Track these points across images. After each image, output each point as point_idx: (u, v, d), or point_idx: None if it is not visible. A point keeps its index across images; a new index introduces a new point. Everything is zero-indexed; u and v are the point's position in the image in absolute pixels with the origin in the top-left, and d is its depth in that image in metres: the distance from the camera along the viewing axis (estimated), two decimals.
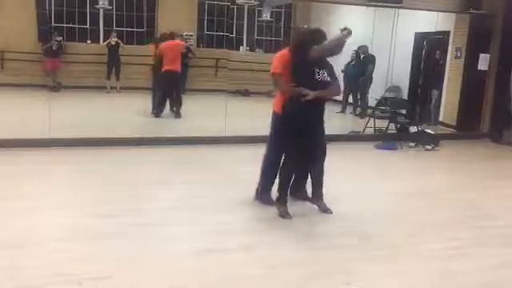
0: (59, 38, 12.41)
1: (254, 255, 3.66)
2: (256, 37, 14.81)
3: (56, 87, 11.73)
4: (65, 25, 13.16)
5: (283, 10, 14.76)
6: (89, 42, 13.35)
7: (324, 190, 4.58)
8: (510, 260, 3.86)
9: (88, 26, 13.39)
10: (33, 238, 3.75)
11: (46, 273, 3.19)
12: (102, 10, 13.25)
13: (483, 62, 9.35)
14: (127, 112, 9.52)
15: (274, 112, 4.56)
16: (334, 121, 10.52)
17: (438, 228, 4.46)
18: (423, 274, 3.51)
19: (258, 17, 14.54)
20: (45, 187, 4.99)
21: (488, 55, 9.30)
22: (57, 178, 5.38)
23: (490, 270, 3.67)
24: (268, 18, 14.39)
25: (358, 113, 11.07)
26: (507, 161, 7.88)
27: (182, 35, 10.97)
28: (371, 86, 10.92)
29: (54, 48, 12.20)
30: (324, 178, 4.56)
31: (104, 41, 12.97)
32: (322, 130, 4.49)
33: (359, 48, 10.88)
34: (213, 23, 14.28)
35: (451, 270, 3.61)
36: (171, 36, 9.66)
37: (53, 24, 13.02)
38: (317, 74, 4.22)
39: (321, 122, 4.44)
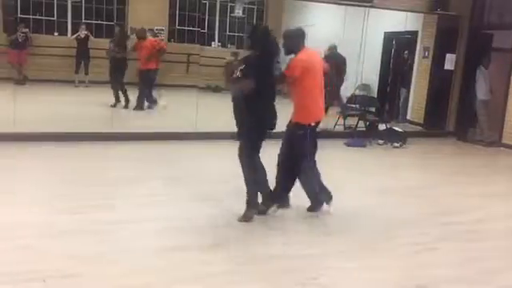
0: (25, 30, 12.07)
1: (223, 252, 3.66)
2: (228, 33, 14.76)
3: (21, 80, 11.39)
4: (31, 16, 12.82)
5: (255, 7, 14.76)
6: (56, 34, 13.04)
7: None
8: (475, 254, 3.97)
9: (55, 18, 13.07)
10: None
11: (10, 270, 3.11)
12: (70, 2, 12.98)
13: (449, 62, 9.59)
14: (95, 107, 9.35)
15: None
16: None
17: (406, 224, 4.55)
18: (393, 269, 3.58)
19: (230, 13, 14.50)
20: (10, 183, 4.87)
21: (454, 55, 9.54)
22: (22, 173, 5.25)
23: (457, 264, 3.77)
24: (240, 15, 14.36)
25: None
26: (472, 158, 8.10)
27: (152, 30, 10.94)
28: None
29: (19, 40, 11.84)
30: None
31: (72, 33, 12.69)
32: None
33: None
34: (184, 18, 14.16)
35: (421, 265, 3.69)
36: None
37: (19, 15, 12.67)
38: None
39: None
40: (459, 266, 3.72)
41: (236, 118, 4.24)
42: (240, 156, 4.25)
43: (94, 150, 6.44)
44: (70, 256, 3.37)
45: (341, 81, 10.87)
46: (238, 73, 4.07)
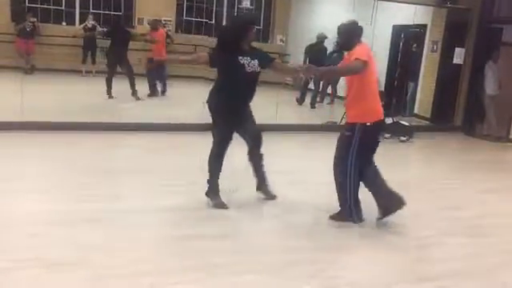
0: (33, 19, 12.10)
1: (229, 242, 3.68)
2: None
3: (29, 70, 11.45)
4: (39, 6, 12.84)
5: None
6: (64, 24, 13.05)
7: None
8: (481, 250, 3.97)
9: (63, 8, 13.09)
10: (6, 221, 3.69)
11: (17, 257, 3.15)
12: None
13: (458, 56, 9.51)
14: (102, 96, 9.38)
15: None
16: (312, 110, 10.61)
17: (412, 218, 4.54)
18: (398, 263, 3.58)
19: (238, 4, 14.44)
20: (18, 171, 4.90)
21: (463, 49, 9.46)
22: (31, 161, 5.29)
23: (463, 258, 3.76)
24: (248, 6, 14.31)
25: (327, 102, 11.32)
26: (479, 153, 8.06)
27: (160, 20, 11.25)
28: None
29: (27, 29, 11.88)
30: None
31: (80, 23, 12.70)
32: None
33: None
34: (192, 9, 14.13)
35: (426, 259, 3.70)
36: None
37: (27, 4, 12.70)
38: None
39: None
40: (464, 261, 3.72)
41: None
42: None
43: (102, 140, 6.47)
44: (78, 244, 3.40)
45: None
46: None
